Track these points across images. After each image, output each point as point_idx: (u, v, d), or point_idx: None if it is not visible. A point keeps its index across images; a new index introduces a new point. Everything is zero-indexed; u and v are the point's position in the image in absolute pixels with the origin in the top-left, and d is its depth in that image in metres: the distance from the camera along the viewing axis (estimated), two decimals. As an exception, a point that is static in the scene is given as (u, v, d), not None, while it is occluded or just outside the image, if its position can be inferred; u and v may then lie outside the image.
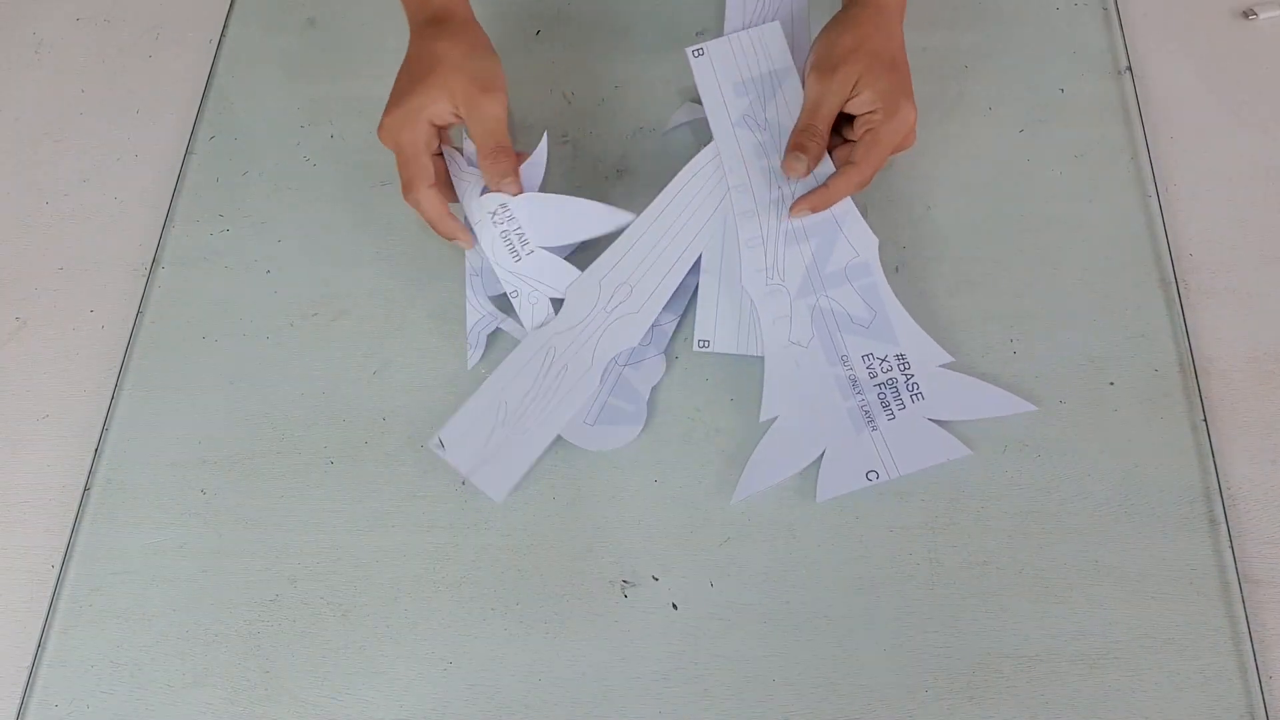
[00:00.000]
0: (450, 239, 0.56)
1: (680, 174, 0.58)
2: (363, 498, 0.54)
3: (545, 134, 0.58)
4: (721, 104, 0.59)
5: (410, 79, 0.55)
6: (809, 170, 0.56)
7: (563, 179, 0.64)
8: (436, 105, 0.54)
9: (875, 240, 0.56)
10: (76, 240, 0.65)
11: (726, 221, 0.58)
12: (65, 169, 0.68)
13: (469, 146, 0.57)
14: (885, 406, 0.53)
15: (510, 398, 0.54)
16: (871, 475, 0.52)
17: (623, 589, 0.51)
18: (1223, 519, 0.51)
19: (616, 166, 0.64)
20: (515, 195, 0.56)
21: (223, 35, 0.72)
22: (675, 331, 0.57)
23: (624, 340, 0.55)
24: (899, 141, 0.55)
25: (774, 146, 0.58)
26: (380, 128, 0.55)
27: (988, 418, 0.53)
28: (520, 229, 0.56)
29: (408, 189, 0.55)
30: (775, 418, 0.53)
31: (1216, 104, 0.65)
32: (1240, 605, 0.48)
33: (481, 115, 0.55)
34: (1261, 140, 0.63)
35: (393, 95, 0.56)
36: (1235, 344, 0.56)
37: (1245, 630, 0.48)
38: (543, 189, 0.58)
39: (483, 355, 0.57)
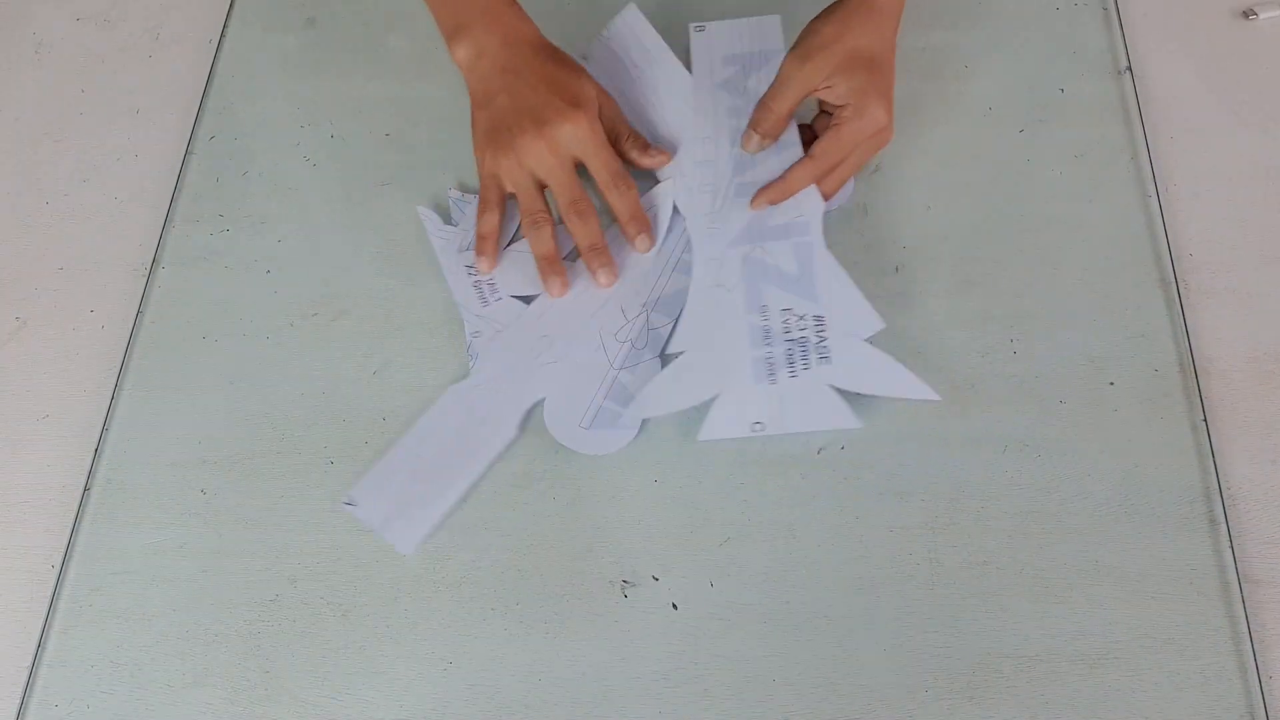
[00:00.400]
0: (632, 239, 0.58)
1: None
2: (363, 498, 0.54)
3: (449, 189, 0.62)
4: (708, 70, 0.63)
5: (548, 108, 0.56)
6: (758, 147, 0.58)
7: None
8: (578, 147, 0.57)
9: (821, 205, 0.57)
10: (76, 240, 0.65)
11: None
12: (65, 169, 0.68)
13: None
14: (790, 363, 0.53)
15: (425, 452, 0.54)
16: (758, 426, 0.52)
17: (623, 589, 0.51)
18: (1223, 519, 0.51)
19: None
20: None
21: (223, 35, 0.72)
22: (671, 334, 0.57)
23: (543, 390, 0.55)
24: (863, 140, 0.56)
25: (746, 111, 0.60)
26: (514, 149, 0.56)
27: (887, 397, 0.53)
28: (491, 279, 0.59)
29: (582, 217, 0.57)
30: (681, 353, 0.54)
31: (1216, 104, 0.65)
32: (1240, 605, 0.48)
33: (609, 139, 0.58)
34: (1261, 140, 0.63)
35: (525, 118, 0.56)
36: (1235, 344, 0.56)
37: (1245, 630, 0.48)
38: None
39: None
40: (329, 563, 0.52)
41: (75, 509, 0.55)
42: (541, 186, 0.58)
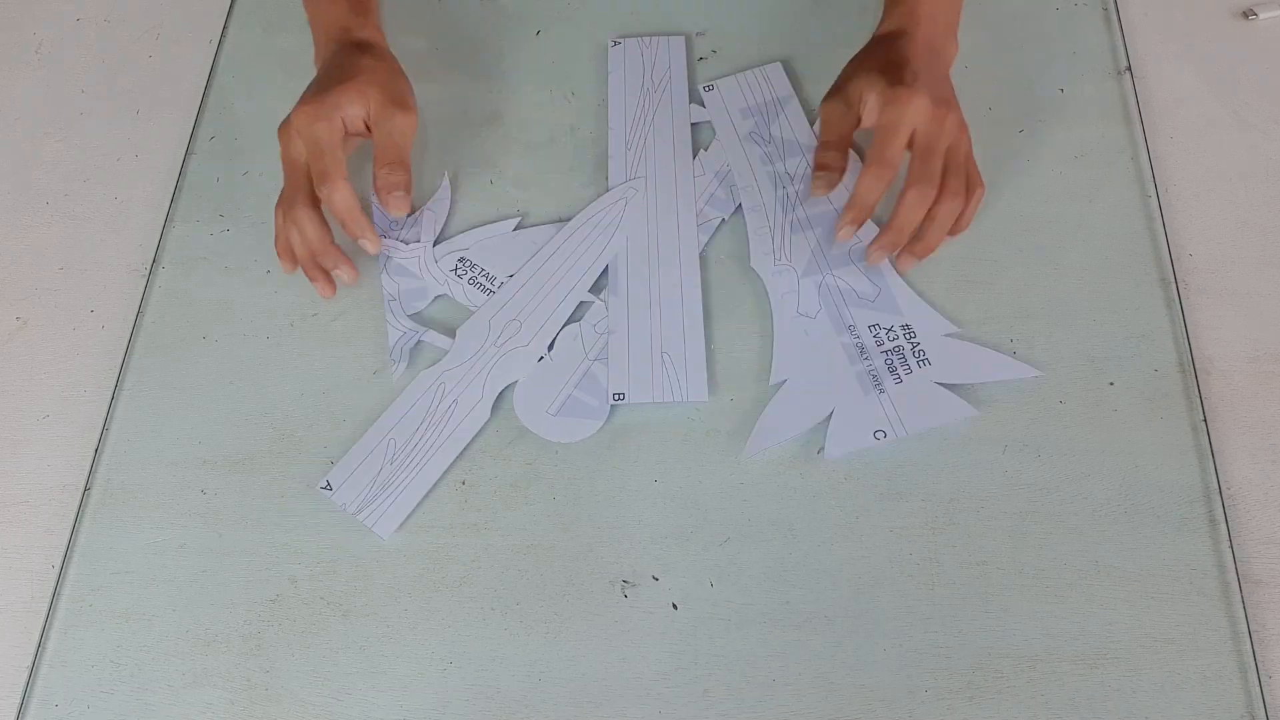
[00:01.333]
0: (358, 238, 0.57)
1: (574, 219, 0.61)
2: (363, 498, 0.54)
3: (446, 174, 0.63)
4: (730, 125, 0.65)
5: (329, 80, 0.58)
6: (831, 185, 0.59)
7: (567, 175, 0.64)
8: (353, 107, 0.57)
9: (875, 227, 0.58)
10: (76, 240, 0.65)
11: (628, 275, 0.59)
12: (65, 169, 0.68)
13: (406, 235, 0.62)
14: (892, 371, 0.54)
15: (399, 435, 0.55)
16: (879, 434, 0.53)
17: (623, 589, 0.51)
18: (1223, 519, 0.51)
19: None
20: (403, 214, 0.59)
21: (223, 35, 0.72)
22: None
23: (514, 372, 0.56)
24: (903, 121, 0.54)
25: (778, 155, 0.63)
26: (289, 123, 0.57)
27: (993, 381, 0.54)
28: (484, 270, 0.60)
29: (322, 180, 0.55)
30: (785, 380, 0.55)
31: (1216, 104, 0.65)
32: (1240, 605, 0.48)
33: (391, 127, 0.58)
34: (1261, 140, 0.63)
35: (306, 94, 0.58)
36: (1235, 344, 0.56)
37: (1245, 630, 0.48)
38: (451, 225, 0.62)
39: (406, 367, 0.57)
40: (329, 563, 0.52)
41: (75, 509, 0.55)
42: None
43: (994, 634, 0.49)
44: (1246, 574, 0.50)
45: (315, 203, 0.57)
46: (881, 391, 0.54)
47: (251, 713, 0.49)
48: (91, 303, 0.62)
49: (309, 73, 0.62)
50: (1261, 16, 0.68)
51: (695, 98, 0.66)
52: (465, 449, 0.54)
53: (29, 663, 0.51)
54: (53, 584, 0.53)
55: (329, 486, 0.53)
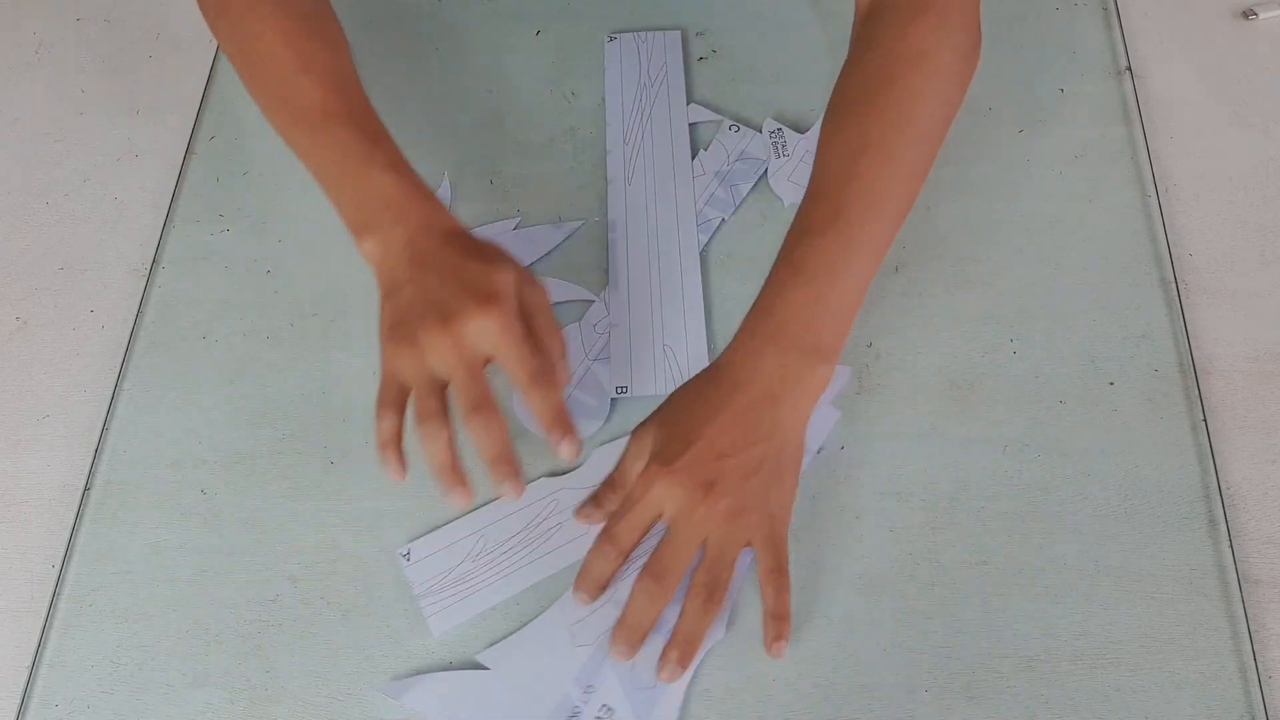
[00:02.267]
0: (556, 444, 0.49)
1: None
2: (363, 498, 0.54)
3: (446, 174, 0.63)
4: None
5: (456, 298, 0.48)
6: (589, 520, 0.51)
7: (566, 176, 0.64)
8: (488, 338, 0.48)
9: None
10: (76, 240, 0.65)
11: (628, 271, 0.59)
12: (65, 169, 0.68)
13: None
14: None
15: (492, 534, 0.52)
16: None
17: None
18: (1223, 519, 0.51)
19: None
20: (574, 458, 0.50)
21: (223, 35, 0.72)
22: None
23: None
24: (645, 500, 0.47)
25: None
26: (416, 340, 0.48)
27: None
28: None
29: (476, 410, 0.47)
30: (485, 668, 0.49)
31: (1216, 104, 0.65)
32: (1240, 605, 0.48)
33: (537, 344, 0.50)
34: (1261, 140, 0.63)
35: (423, 313, 0.48)
36: (1235, 344, 0.56)
37: (1245, 630, 0.48)
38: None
39: None
40: (329, 563, 0.52)
41: (75, 509, 0.55)
42: (442, 386, 0.49)
43: (994, 634, 0.49)
44: (1246, 574, 0.50)
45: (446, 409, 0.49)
46: None
47: (251, 713, 0.49)
48: (91, 303, 0.62)
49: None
50: (1261, 16, 0.68)
51: (693, 96, 0.66)
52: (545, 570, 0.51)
53: (29, 663, 0.51)
54: (53, 584, 0.53)
55: (409, 556, 0.51)
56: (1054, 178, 0.62)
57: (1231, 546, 0.50)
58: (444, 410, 0.48)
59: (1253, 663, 0.47)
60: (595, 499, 0.51)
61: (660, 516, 0.48)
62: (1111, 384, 0.55)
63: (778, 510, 0.49)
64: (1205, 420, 0.53)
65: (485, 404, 0.47)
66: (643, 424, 0.50)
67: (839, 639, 0.49)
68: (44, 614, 0.52)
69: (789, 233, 0.50)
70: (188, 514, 0.54)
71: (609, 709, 0.47)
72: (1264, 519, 0.51)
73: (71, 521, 0.54)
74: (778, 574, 0.48)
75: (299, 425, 0.56)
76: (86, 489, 0.55)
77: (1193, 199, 0.61)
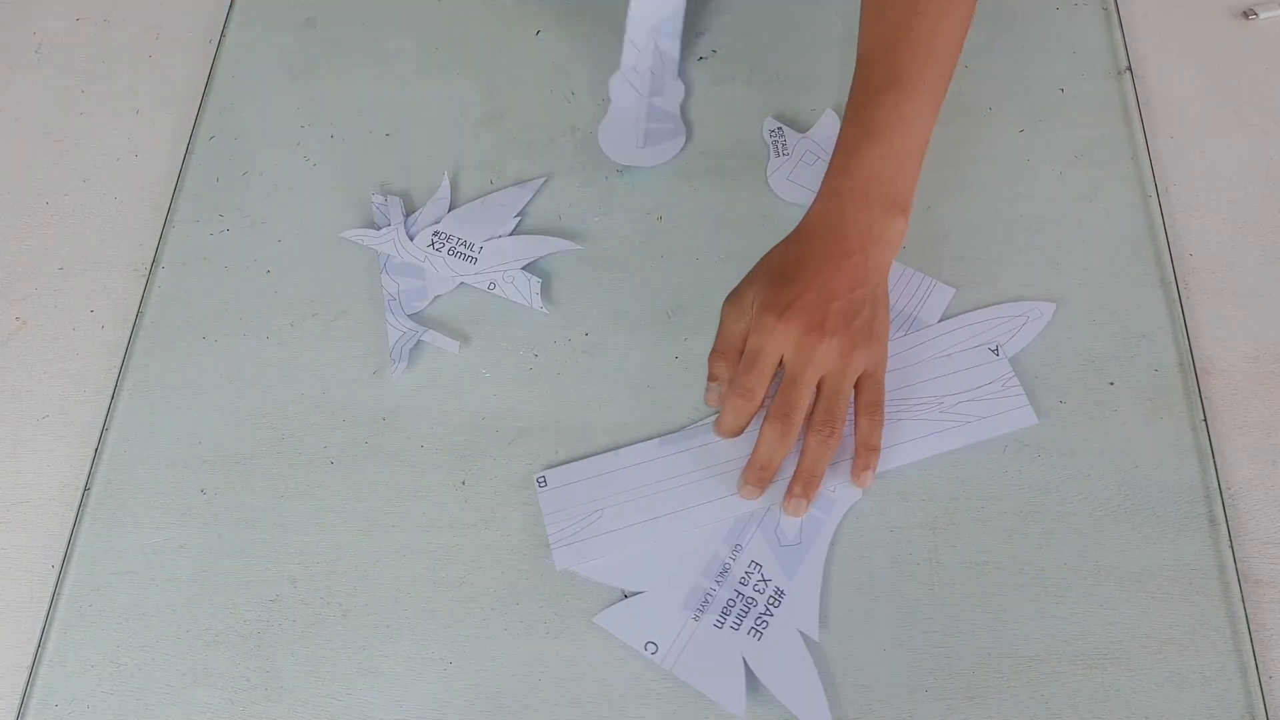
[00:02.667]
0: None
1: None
2: (363, 498, 0.54)
3: (446, 174, 0.63)
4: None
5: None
6: (720, 397, 0.53)
7: (568, 176, 0.64)
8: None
9: (856, 493, 0.52)
10: (76, 240, 0.65)
11: None
12: (65, 169, 0.68)
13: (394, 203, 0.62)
14: (723, 613, 0.49)
15: (631, 477, 0.52)
16: (650, 647, 0.48)
17: (622, 589, 0.51)
18: (1223, 519, 0.51)
19: (617, 166, 0.64)
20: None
21: (223, 35, 0.72)
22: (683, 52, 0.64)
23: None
24: (764, 350, 0.50)
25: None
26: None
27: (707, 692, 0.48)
28: (461, 239, 0.61)
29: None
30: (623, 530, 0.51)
31: (1216, 104, 0.65)
32: (1240, 605, 0.49)
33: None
34: (1261, 140, 0.63)
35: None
36: (1235, 344, 0.56)
37: (1245, 630, 0.48)
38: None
39: (406, 367, 0.57)
40: (329, 563, 0.52)
41: (75, 509, 0.55)
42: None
43: (994, 634, 0.49)
44: (1246, 574, 0.50)
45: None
46: (695, 620, 0.49)
47: (251, 713, 0.49)
48: (91, 303, 0.62)
49: (309, 72, 0.62)
50: (1261, 16, 0.68)
51: (693, 96, 0.66)
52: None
53: (29, 663, 0.51)
54: (53, 584, 0.53)
55: (544, 483, 0.52)
56: (1054, 178, 0.62)
57: (1232, 546, 0.50)
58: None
59: (1253, 663, 0.47)
60: (711, 374, 0.53)
61: (781, 362, 0.51)
62: (1111, 384, 0.55)
63: (877, 350, 0.52)
64: (1205, 420, 0.53)
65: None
66: (734, 291, 0.53)
67: (839, 639, 0.49)
68: (44, 614, 0.52)
69: (851, 96, 0.54)
70: (188, 514, 0.54)
71: (757, 564, 0.50)
72: (1264, 519, 0.51)
73: (71, 521, 0.54)
74: (874, 408, 0.51)
75: (299, 425, 0.56)
76: (86, 489, 0.55)
77: (1193, 199, 0.61)
